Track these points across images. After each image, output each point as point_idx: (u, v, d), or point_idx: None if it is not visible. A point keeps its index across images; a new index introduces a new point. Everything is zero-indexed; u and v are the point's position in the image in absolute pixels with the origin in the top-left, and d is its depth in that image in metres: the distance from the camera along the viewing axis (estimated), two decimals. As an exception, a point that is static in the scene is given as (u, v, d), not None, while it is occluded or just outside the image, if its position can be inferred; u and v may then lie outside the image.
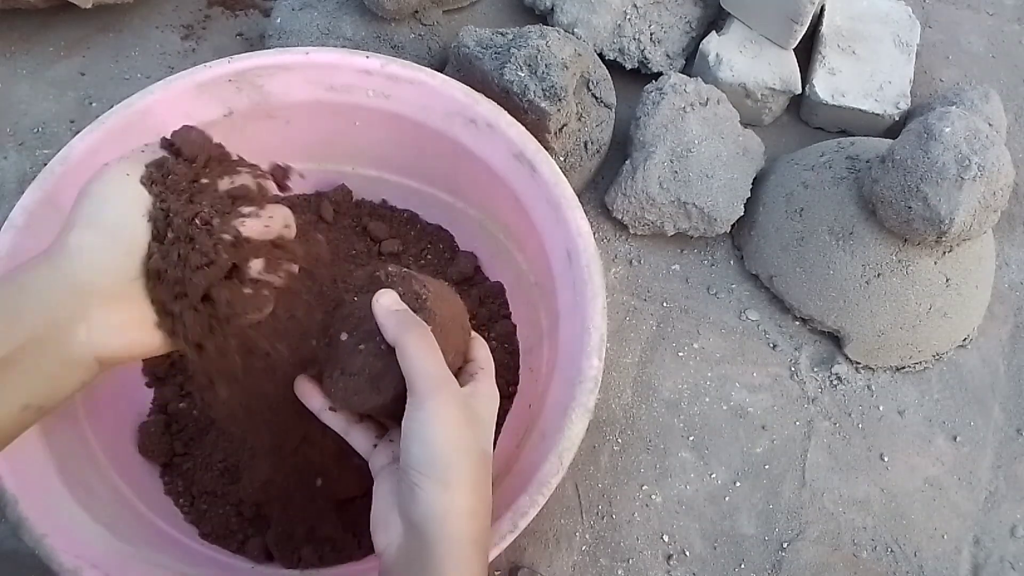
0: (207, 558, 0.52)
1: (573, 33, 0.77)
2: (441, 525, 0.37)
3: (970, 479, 0.65)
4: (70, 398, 0.38)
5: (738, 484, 0.63)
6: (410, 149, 0.62)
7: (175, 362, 0.59)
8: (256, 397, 0.44)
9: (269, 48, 0.73)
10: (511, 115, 0.57)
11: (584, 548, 0.60)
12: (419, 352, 0.39)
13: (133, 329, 0.38)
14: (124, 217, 0.37)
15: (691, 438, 0.65)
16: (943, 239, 0.60)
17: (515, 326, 0.62)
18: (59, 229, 0.37)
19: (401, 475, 0.38)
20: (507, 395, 0.59)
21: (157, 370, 0.59)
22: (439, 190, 0.65)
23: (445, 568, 0.36)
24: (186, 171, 0.39)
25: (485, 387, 0.43)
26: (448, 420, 0.38)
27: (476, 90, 0.58)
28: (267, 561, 0.52)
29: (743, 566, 0.61)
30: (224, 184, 0.40)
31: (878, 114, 0.75)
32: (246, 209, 0.39)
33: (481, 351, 0.46)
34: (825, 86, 0.76)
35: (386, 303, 0.41)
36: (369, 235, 0.65)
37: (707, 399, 0.66)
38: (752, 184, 0.71)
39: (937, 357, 0.69)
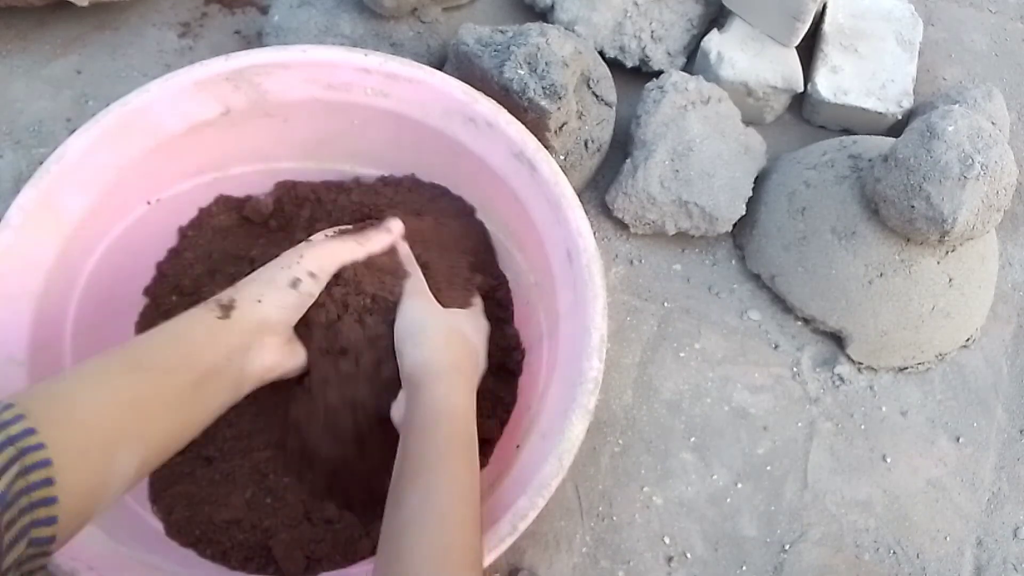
0: (203, 560, 0.51)
1: (573, 31, 0.76)
2: (422, 370, 0.48)
3: (973, 480, 0.65)
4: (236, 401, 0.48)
5: (739, 485, 0.63)
6: (409, 148, 0.61)
7: None
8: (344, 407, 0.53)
9: (267, 46, 0.73)
10: (511, 113, 0.57)
11: (584, 550, 0.60)
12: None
13: (292, 357, 0.51)
14: (308, 286, 0.51)
15: (692, 439, 0.64)
16: (946, 238, 0.60)
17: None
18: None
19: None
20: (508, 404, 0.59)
21: None
22: (438, 189, 0.65)
23: (431, 398, 0.47)
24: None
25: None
26: (418, 305, 0.52)
27: (475, 88, 0.57)
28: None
29: (744, 568, 0.60)
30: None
31: (881, 112, 0.75)
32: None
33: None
34: (827, 84, 0.75)
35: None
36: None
37: (708, 400, 0.66)
38: (754, 183, 0.70)
39: (940, 357, 0.68)
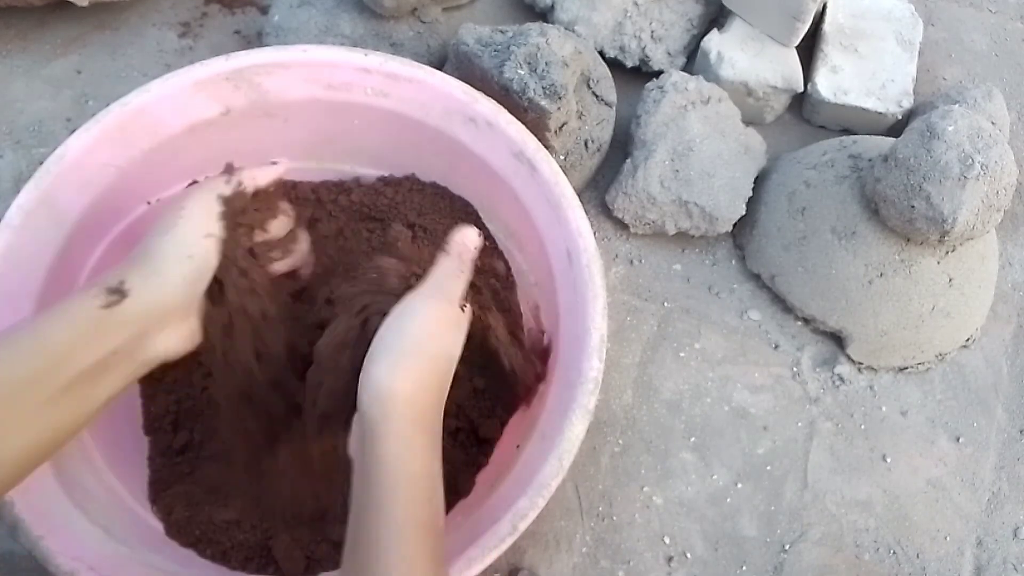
0: (203, 560, 0.51)
1: (573, 31, 0.76)
2: (379, 412, 0.40)
3: (973, 480, 0.65)
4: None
5: (739, 485, 0.63)
6: (409, 148, 0.61)
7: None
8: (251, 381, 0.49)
9: (267, 46, 0.73)
10: (511, 113, 0.57)
11: (584, 550, 0.60)
12: (443, 268, 0.47)
13: (192, 337, 0.46)
14: (206, 252, 0.45)
15: (692, 439, 0.64)
16: (946, 238, 0.60)
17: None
18: (146, 236, 0.45)
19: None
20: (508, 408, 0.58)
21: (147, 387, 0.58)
22: (438, 189, 0.65)
23: (386, 457, 0.40)
24: (241, 205, 0.48)
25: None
26: (427, 315, 0.43)
27: (475, 88, 0.57)
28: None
29: (744, 568, 0.60)
30: (272, 228, 0.51)
31: (881, 112, 0.75)
32: (277, 254, 0.52)
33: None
34: (827, 84, 0.75)
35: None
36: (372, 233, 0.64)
37: (708, 400, 0.66)
38: (754, 183, 0.70)
39: (940, 357, 0.68)
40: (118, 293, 0.41)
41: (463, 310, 0.46)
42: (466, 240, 0.49)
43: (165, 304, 0.43)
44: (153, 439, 0.56)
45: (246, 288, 0.47)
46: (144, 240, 0.45)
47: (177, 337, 0.44)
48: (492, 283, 0.59)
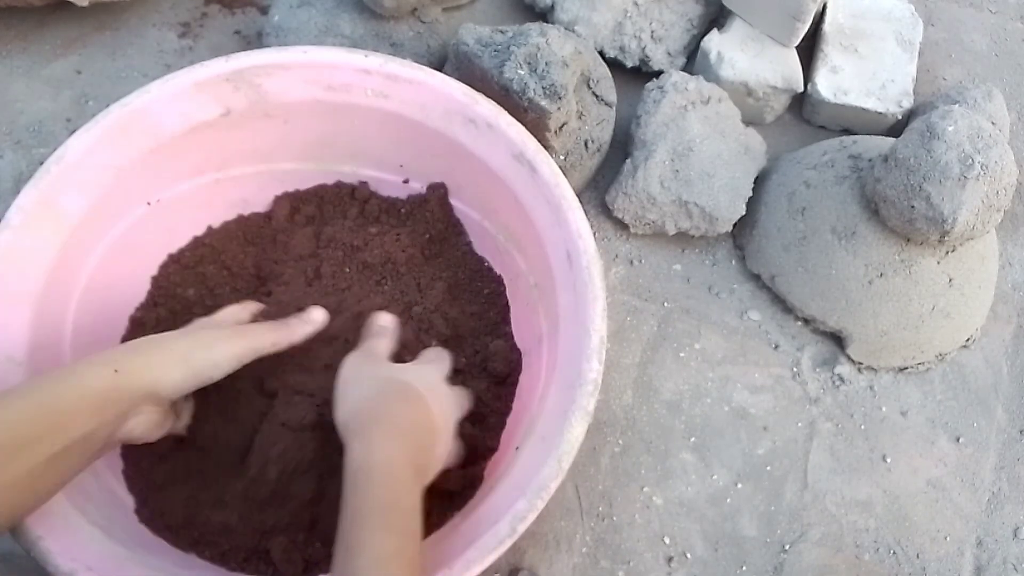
0: (201, 562, 0.51)
1: (573, 31, 0.76)
2: (343, 429, 0.46)
3: (973, 480, 0.65)
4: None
5: (739, 486, 0.63)
6: (409, 149, 0.61)
7: None
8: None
9: (267, 46, 0.73)
10: (511, 114, 0.57)
11: (584, 550, 0.60)
12: (366, 342, 0.54)
13: (164, 425, 0.48)
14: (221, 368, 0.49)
15: (692, 439, 0.64)
16: (946, 239, 0.60)
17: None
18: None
19: None
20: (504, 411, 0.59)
21: None
22: (438, 190, 0.64)
23: (350, 459, 0.43)
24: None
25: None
26: (356, 358, 0.50)
27: (475, 88, 0.57)
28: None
29: (744, 568, 0.60)
30: None
31: (881, 112, 0.74)
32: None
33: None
34: (827, 84, 0.75)
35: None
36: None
37: (708, 400, 0.66)
38: (754, 183, 0.70)
39: (940, 358, 0.68)
40: (117, 372, 0.43)
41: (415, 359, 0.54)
42: (379, 321, 0.55)
43: (152, 393, 0.45)
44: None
45: None
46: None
47: (149, 425, 0.46)
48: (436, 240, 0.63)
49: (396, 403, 0.47)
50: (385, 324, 0.55)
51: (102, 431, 0.42)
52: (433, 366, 0.52)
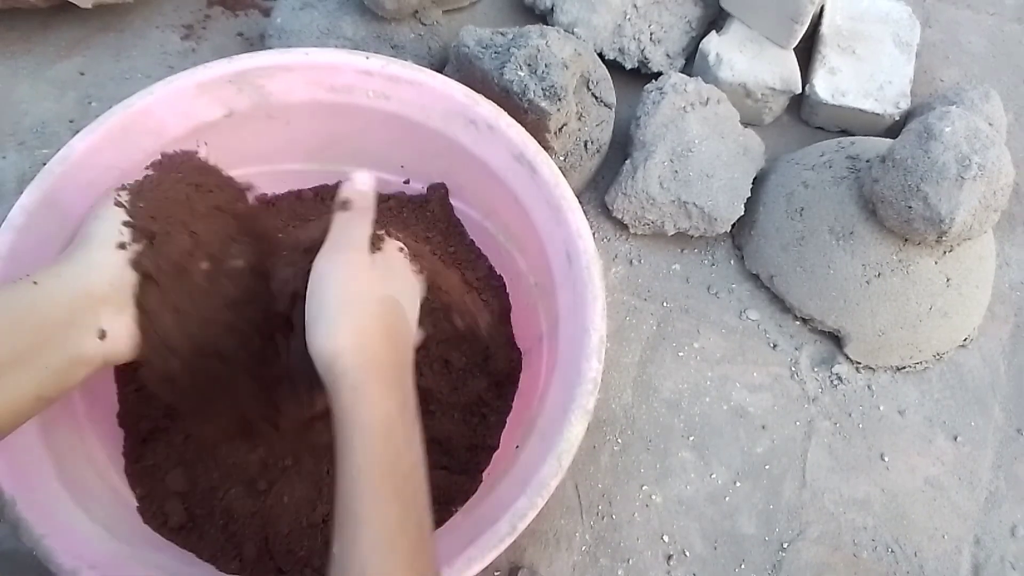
0: (203, 560, 0.51)
1: (573, 33, 0.77)
2: (330, 372, 0.39)
3: (970, 479, 0.65)
4: (74, 388, 0.41)
5: (738, 484, 0.63)
6: (410, 150, 0.62)
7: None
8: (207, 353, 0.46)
9: (269, 48, 0.73)
10: (511, 115, 0.57)
11: (584, 548, 0.60)
12: (338, 223, 0.44)
13: (132, 336, 0.42)
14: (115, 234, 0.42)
15: (691, 438, 0.65)
16: (943, 239, 0.60)
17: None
18: (70, 240, 0.43)
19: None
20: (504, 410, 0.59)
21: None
22: (439, 191, 0.65)
23: (341, 410, 0.38)
24: (169, 182, 0.46)
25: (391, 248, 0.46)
26: (335, 268, 0.41)
27: (476, 90, 0.58)
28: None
29: (743, 566, 0.61)
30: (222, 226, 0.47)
31: (878, 114, 0.75)
32: (235, 249, 0.47)
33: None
34: (825, 86, 0.76)
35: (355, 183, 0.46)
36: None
37: (707, 399, 0.66)
38: (752, 184, 0.71)
39: (938, 357, 0.69)
40: (37, 279, 0.38)
41: (380, 249, 0.44)
42: (356, 186, 0.46)
43: (91, 287, 0.40)
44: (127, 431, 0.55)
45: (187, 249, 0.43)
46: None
47: (114, 332, 0.40)
48: (437, 241, 0.61)
49: (390, 338, 0.41)
50: (362, 189, 0.46)
51: (40, 349, 0.38)
52: (403, 262, 0.46)
